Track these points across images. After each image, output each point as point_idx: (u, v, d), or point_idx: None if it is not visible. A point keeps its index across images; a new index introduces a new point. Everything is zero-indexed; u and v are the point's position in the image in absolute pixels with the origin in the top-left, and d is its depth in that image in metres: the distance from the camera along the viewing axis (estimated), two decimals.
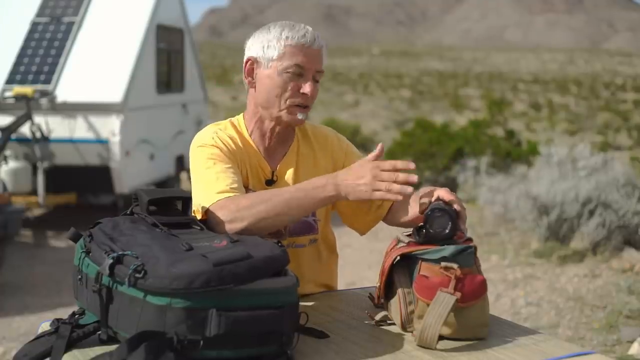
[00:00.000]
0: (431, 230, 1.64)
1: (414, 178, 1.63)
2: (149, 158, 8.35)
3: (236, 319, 1.35)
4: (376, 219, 1.99)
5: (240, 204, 1.69)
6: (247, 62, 1.92)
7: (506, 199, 7.97)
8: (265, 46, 1.87)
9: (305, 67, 1.84)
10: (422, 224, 1.67)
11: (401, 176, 1.63)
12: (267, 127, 1.93)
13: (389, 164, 1.66)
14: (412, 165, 1.67)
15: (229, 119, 2.00)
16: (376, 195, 1.64)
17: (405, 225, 1.90)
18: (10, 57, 8.12)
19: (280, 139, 1.95)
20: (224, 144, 1.87)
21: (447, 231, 1.63)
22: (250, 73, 1.92)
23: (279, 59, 1.85)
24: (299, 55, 1.84)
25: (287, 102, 1.86)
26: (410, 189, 1.63)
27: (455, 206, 1.68)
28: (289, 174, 1.95)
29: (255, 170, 1.93)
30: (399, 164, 1.66)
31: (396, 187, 1.63)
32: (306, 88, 1.85)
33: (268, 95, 1.88)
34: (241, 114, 2.00)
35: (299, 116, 1.87)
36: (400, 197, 1.63)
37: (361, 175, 1.66)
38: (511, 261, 6.83)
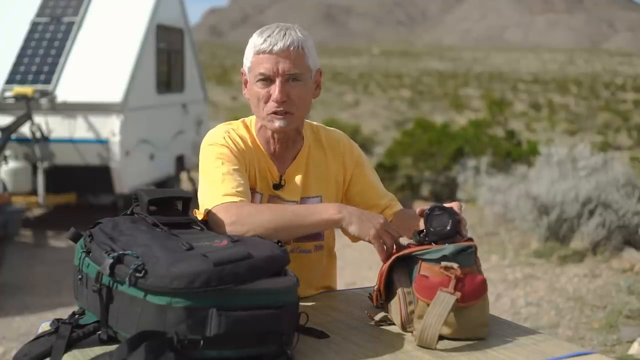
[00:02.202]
0: (432, 229, 1.64)
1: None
2: (149, 158, 8.34)
3: (236, 319, 1.35)
4: None
5: (243, 211, 1.68)
6: (242, 75, 1.95)
7: (506, 199, 7.96)
8: (245, 58, 1.90)
9: (269, 74, 1.82)
10: (422, 227, 1.68)
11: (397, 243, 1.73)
12: (268, 134, 1.92)
13: (396, 233, 1.73)
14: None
15: (242, 118, 1.99)
16: (374, 239, 1.68)
17: None
18: (10, 57, 8.12)
19: (285, 144, 1.93)
20: (234, 143, 1.86)
21: (448, 229, 1.63)
22: (245, 84, 1.94)
23: (251, 70, 1.87)
24: (261, 63, 1.83)
25: (264, 111, 1.86)
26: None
27: (455, 208, 1.69)
28: (298, 179, 1.93)
29: (263, 173, 1.92)
30: (398, 236, 1.74)
31: (390, 250, 1.69)
32: (273, 93, 1.82)
33: (253, 106, 1.89)
34: (254, 115, 2.00)
35: (276, 124, 1.84)
36: (382, 255, 1.69)
37: (375, 219, 1.70)
38: (511, 261, 6.83)
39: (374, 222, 1.69)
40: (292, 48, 1.81)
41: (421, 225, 1.70)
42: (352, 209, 1.72)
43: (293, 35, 1.83)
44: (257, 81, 1.84)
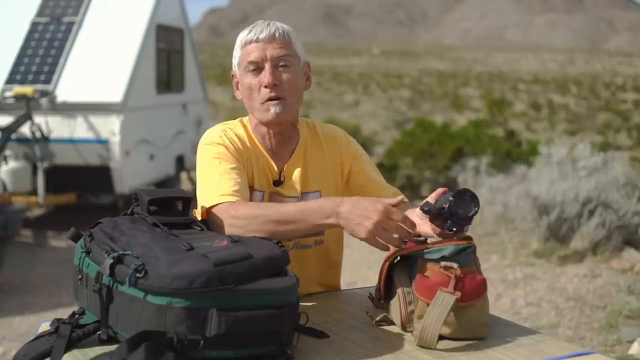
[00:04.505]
0: (459, 211, 1.62)
1: (412, 237, 1.61)
2: (149, 158, 8.35)
3: (236, 319, 1.35)
4: None
5: (239, 212, 1.68)
6: (233, 78, 1.97)
7: (506, 199, 7.96)
8: (234, 57, 1.93)
9: (258, 61, 1.85)
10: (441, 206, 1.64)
11: (405, 233, 1.57)
12: (263, 130, 1.93)
13: (400, 216, 1.57)
14: (417, 230, 1.63)
15: (240, 118, 2.00)
16: (372, 240, 1.56)
17: None
18: (10, 57, 8.12)
19: (282, 140, 1.94)
20: (231, 142, 1.86)
21: (469, 215, 1.62)
22: (237, 86, 1.96)
23: (240, 65, 1.90)
24: (250, 53, 1.86)
25: (258, 101, 1.87)
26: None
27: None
28: (297, 174, 1.93)
29: (262, 170, 1.92)
30: (409, 222, 1.58)
31: (396, 241, 1.57)
32: (264, 79, 1.84)
33: (246, 101, 1.91)
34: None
35: (272, 110, 1.85)
36: (390, 250, 1.60)
37: (367, 216, 1.55)
38: (511, 261, 6.83)
39: (369, 222, 1.55)
40: (277, 34, 1.86)
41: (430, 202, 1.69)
42: (346, 211, 1.59)
43: (277, 25, 1.88)
44: (248, 72, 1.86)
